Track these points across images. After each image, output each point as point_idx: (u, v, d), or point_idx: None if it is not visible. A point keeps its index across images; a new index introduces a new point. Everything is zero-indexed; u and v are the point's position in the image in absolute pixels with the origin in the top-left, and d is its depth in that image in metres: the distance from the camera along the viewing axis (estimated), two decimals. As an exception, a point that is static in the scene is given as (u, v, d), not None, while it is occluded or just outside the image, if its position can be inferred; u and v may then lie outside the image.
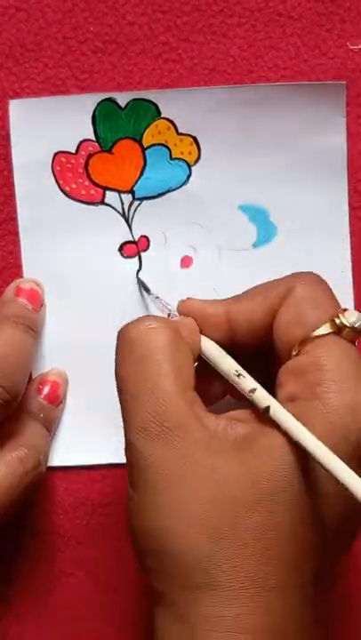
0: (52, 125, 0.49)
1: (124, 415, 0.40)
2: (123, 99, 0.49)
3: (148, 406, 0.39)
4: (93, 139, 0.50)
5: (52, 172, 0.50)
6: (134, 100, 0.49)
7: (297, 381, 0.39)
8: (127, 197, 0.50)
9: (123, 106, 0.49)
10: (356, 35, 0.50)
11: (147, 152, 0.50)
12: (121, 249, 0.51)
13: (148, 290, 0.50)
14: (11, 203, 0.50)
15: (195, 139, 0.50)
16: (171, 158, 0.50)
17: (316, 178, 0.50)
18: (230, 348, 0.43)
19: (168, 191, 0.50)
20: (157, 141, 0.50)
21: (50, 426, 0.50)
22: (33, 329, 0.49)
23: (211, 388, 0.45)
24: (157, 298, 0.50)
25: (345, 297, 0.51)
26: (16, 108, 0.49)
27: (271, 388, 0.41)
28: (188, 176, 0.50)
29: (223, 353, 0.43)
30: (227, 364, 0.42)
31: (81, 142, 0.50)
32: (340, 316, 0.40)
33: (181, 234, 0.51)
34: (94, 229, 0.50)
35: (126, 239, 0.51)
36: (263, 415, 0.39)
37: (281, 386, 0.41)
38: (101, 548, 0.52)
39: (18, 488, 0.47)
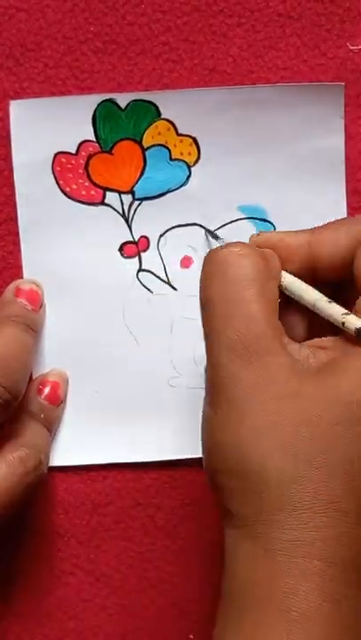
0: (52, 126, 0.49)
1: (210, 335, 0.40)
2: (123, 99, 0.49)
3: (236, 327, 0.39)
4: (94, 139, 0.50)
5: (53, 172, 0.50)
6: (134, 100, 0.49)
7: None
8: (127, 198, 0.50)
9: (123, 107, 0.49)
10: (356, 35, 0.50)
11: (147, 153, 0.50)
12: (121, 249, 0.51)
13: (216, 237, 0.50)
14: (11, 203, 0.50)
15: (194, 139, 0.50)
16: (171, 159, 0.50)
17: (315, 178, 0.50)
18: (309, 281, 0.43)
19: (168, 192, 0.50)
20: (157, 142, 0.50)
21: (50, 426, 0.50)
22: (33, 328, 0.49)
23: (293, 319, 0.44)
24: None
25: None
26: (16, 108, 0.49)
27: None
28: (188, 177, 0.50)
29: (307, 285, 0.43)
30: (313, 293, 0.42)
31: (81, 143, 0.50)
32: None
33: (181, 234, 0.51)
34: (94, 230, 0.51)
35: (126, 239, 0.51)
36: (346, 341, 0.40)
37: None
38: (101, 548, 0.52)
39: (18, 488, 0.47)
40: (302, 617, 0.36)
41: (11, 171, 0.50)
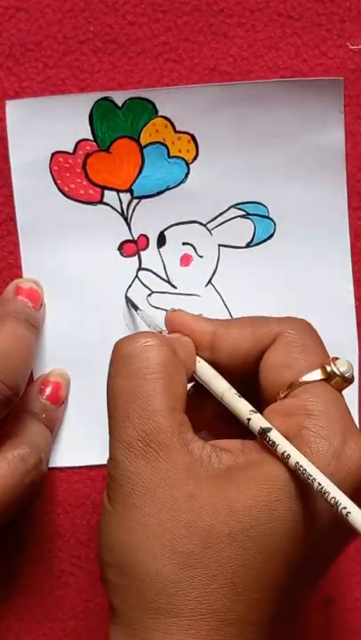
0: (49, 125, 0.49)
1: (111, 429, 0.40)
2: (120, 98, 0.49)
3: (135, 423, 0.39)
4: (91, 138, 0.50)
5: (50, 172, 0.50)
6: (131, 98, 0.49)
7: (283, 422, 0.39)
8: (126, 196, 0.50)
9: (120, 105, 0.49)
10: (356, 35, 0.50)
11: (145, 150, 0.50)
12: (120, 248, 0.51)
13: (136, 307, 0.51)
14: (10, 203, 0.50)
15: (192, 136, 0.50)
16: (169, 156, 0.50)
17: (315, 174, 0.50)
18: (219, 371, 0.43)
19: (166, 189, 0.50)
20: (155, 140, 0.50)
21: (52, 426, 0.50)
22: (34, 325, 0.49)
23: (202, 411, 0.45)
24: (145, 314, 0.50)
25: (345, 294, 0.51)
26: (13, 108, 0.49)
27: None
28: (187, 174, 0.50)
29: (218, 375, 0.43)
30: (221, 385, 0.42)
31: (78, 142, 0.50)
32: (332, 364, 0.41)
33: (181, 232, 0.51)
34: (93, 229, 0.51)
35: (126, 238, 0.51)
36: (249, 448, 0.39)
37: None
38: (101, 548, 0.52)
39: (19, 487, 0.47)
40: None
41: (10, 171, 0.50)
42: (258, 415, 0.40)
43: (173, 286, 0.51)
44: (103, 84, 0.50)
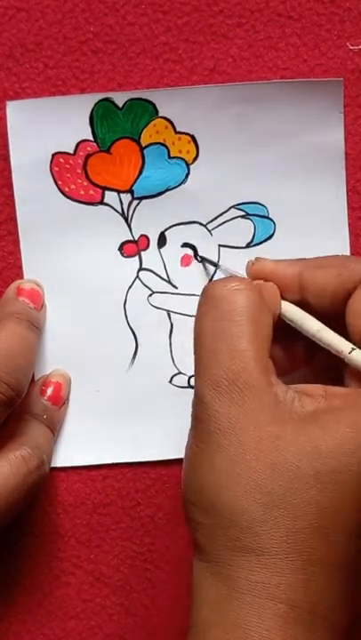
0: (49, 126, 0.49)
1: (197, 369, 0.40)
2: (120, 98, 0.49)
3: (222, 363, 0.39)
4: (91, 139, 0.50)
5: (51, 172, 0.50)
6: (132, 99, 0.49)
7: None
8: (126, 197, 0.50)
9: (120, 105, 0.49)
10: (356, 35, 0.50)
11: (145, 151, 0.50)
12: (121, 248, 0.51)
13: (215, 264, 0.51)
14: (11, 203, 0.50)
15: (193, 137, 0.50)
16: (169, 157, 0.50)
17: (315, 174, 0.50)
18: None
19: (167, 190, 0.50)
20: (155, 140, 0.50)
21: (53, 426, 0.50)
22: (36, 326, 0.49)
23: (286, 356, 0.45)
24: (227, 267, 0.50)
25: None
26: (13, 109, 0.49)
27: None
28: (187, 174, 0.50)
29: (307, 314, 0.43)
30: (315, 324, 0.43)
31: (79, 143, 0.50)
32: None
33: (181, 232, 0.51)
34: (94, 229, 0.51)
35: (126, 238, 0.51)
36: (332, 393, 0.40)
37: None
38: (101, 548, 0.52)
39: (21, 488, 0.47)
40: None
41: (11, 171, 0.50)
42: (358, 350, 0.41)
43: (174, 286, 0.51)
44: (103, 85, 0.50)
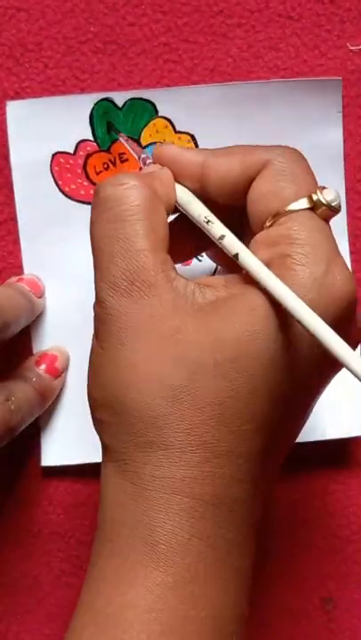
0: (49, 126, 0.49)
1: (96, 273, 0.40)
2: (120, 98, 0.49)
3: (119, 264, 0.38)
4: (91, 139, 0.50)
5: (51, 172, 0.50)
6: (132, 99, 0.49)
7: (267, 251, 0.39)
8: (126, 197, 0.50)
9: (120, 105, 0.49)
10: (356, 35, 0.51)
11: (145, 151, 0.50)
12: (121, 248, 0.51)
13: (117, 131, 0.50)
14: (11, 203, 0.50)
15: (192, 137, 0.50)
16: (169, 157, 0.50)
17: (314, 173, 0.50)
18: (204, 203, 0.42)
19: (167, 190, 0.50)
20: (155, 140, 0.50)
21: (42, 393, 0.50)
22: (32, 303, 0.49)
23: (185, 244, 0.45)
24: (129, 139, 0.49)
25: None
26: (13, 109, 0.49)
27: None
28: (187, 174, 0.50)
29: (195, 199, 0.42)
30: (198, 209, 0.41)
31: (79, 142, 0.50)
32: (318, 192, 0.39)
33: None
34: (94, 229, 0.51)
35: (126, 238, 0.51)
36: (232, 282, 0.39)
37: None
38: (101, 548, 0.52)
39: None
40: (170, 550, 0.36)
41: (11, 171, 0.50)
42: (229, 238, 0.39)
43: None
44: (103, 85, 0.50)
